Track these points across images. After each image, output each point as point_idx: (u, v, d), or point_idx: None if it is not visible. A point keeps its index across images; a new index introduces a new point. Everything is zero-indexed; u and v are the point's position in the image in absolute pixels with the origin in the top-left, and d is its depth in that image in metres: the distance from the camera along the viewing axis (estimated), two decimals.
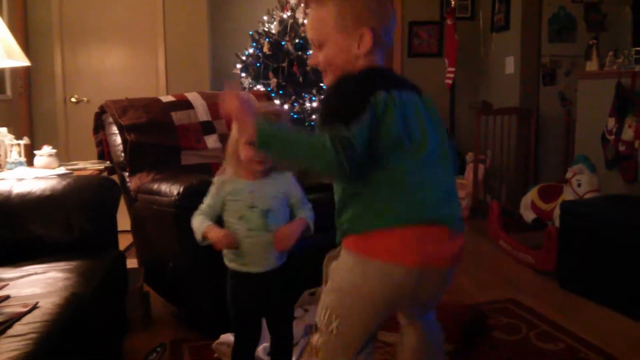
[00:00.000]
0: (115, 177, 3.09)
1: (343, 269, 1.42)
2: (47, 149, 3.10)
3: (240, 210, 1.86)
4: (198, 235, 1.85)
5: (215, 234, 1.81)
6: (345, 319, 1.42)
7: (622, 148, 3.72)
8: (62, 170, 3.01)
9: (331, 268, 1.48)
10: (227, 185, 1.89)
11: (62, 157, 3.67)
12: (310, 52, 4.66)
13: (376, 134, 1.30)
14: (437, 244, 1.36)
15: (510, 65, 5.58)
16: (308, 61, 1.50)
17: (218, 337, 2.39)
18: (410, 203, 1.34)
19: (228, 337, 2.35)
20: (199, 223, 1.86)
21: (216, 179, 1.93)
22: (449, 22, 5.69)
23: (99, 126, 3.32)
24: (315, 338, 1.46)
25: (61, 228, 2.38)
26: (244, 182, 1.88)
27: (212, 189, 1.91)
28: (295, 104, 4.69)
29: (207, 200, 1.91)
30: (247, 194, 1.86)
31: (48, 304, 1.71)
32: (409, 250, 1.32)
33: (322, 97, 1.46)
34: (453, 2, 5.79)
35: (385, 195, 1.34)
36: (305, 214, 1.95)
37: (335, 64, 1.45)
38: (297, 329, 2.59)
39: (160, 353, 2.48)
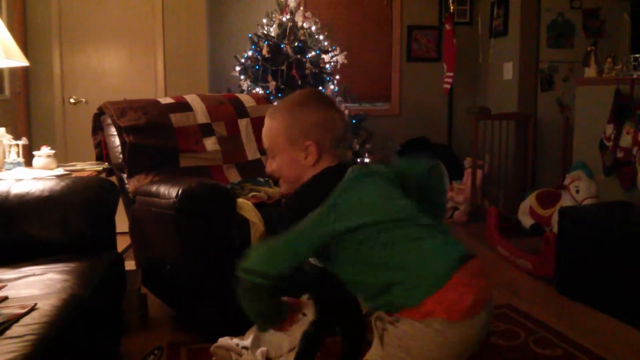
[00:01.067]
0: (113, 179, 3.08)
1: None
2: (45, 150, 3.09)
3: None
4: None
5: None
6: None
7: (620, 155, 3.72)
8: (60, 171, 3.00)
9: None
10: None
11: (61, 158, 3.66)
12: (309, 55, 4.69)
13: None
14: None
15: (508, 70, 5.59)
16: (267, 169, 1.64)
17: (216, 340, 2.38)
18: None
19: (226, 341, 2.34)
20: None
21: None
22: (447, 27, 5.71)
23: (98, 127, 3.31)
24: None
25: (59, 229, 2.36)
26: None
27: None
28: None
29: None
30: None
31: (46, 306, 1.69)
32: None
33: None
34: (452, 7, 5.80)
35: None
36: None
37: (287, 173, 1.59)
38: (297, 333, 2.58)
39: (157, 355, 2.47)
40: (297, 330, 2.56)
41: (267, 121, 1.60)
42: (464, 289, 1.36)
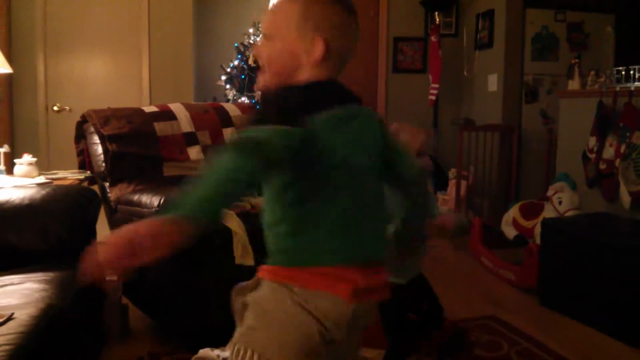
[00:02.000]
0: (96, 187, 3.06)
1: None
2: (27, 158, 3.06)
3: None
4: None
5: None
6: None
7: (603, 167, 3.75)
8: (41, 179, 2.97)
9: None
10: None
11: (43, 166, 3.64)
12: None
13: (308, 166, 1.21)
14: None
15: (493, 82, 5.63)
16: (252, 50, 1.37)
17: (197, 352, 2.36)
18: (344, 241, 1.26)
19: (207, 352, 2.32)
20: None
21: None
22: (433, 39, 5.74)
23: (80, 135, 3.29)
24: None
25: (39, 238, 2.34)
26: None
27: None
28: None
29: None
30: None
31: (24, 315, 1.67)
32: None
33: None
34: (437, 19, 5.84)
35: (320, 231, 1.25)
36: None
37: (278, 63, 1.34)
38: None
39: None
40: None
41: (279, 2, 1.35)
42: (348, 280, 1.22)
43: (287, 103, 1.26)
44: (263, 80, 1.37)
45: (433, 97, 5.79)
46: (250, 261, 2.62)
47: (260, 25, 4.91)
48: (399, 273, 1.53)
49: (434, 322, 2.09)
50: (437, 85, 5.73)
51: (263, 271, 1.28)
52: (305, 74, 1.32)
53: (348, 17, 1.34)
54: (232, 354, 1.22)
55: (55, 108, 4.78)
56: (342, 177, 1.25)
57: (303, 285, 1.21)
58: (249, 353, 1.18)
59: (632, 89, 3.59)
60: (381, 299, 1.31)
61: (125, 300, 2.93)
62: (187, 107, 3.45)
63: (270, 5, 1.38)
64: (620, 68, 3.78)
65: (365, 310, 1.27)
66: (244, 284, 1.31)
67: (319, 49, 1.29)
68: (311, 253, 1.24)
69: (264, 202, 1.28)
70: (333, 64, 1.33)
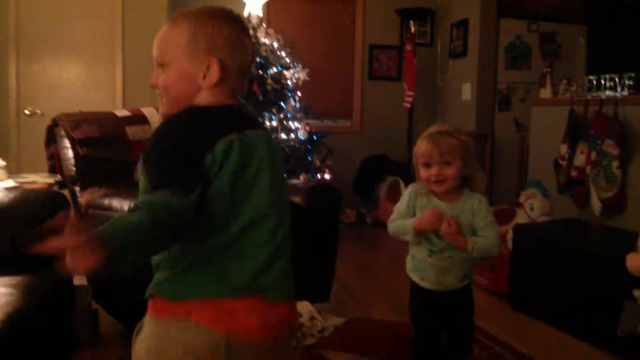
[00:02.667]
0: (66, 192, 3.01)
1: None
2: None
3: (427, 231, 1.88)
4: (408, 235, 1.88)
5: (430, 216, 1.83)
6: None
7: (574, 173, 3.81)
8: (11, 183, 2.92)
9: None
10: (420, 198, 1.91)
11: (14, 170, 3.58)
12: (271, 71, 4.70)
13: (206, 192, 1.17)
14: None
15: (467, 91, 5.69)
16: (149, 81, 1.34)
17: None
18: (232, 273, 1.22)
19: None
20: (401, 222, 1.90)
21: (411, 186, 1.95)
22: (408, 47, 5.78)
23: (51, 139, 3.24)
24: None
25: (6, 242, 2.30)
26: (439, 203, 1.89)
27: (405, 197, 1.94)
28: None
29: (399, 206, 1.94)
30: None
31: None
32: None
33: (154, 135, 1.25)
34: (412, 28, 5.89)
35: (207, 263, 1.22)
36: (476, 239, 1.86)
37: (175, 90, 1.31)
38: None
39: None
40: None
41: (165, 28, 1.33)
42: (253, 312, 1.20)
43: (192, 129, 1.22)
44: (163, 110, 1.34)
45: (408, 105, 5.83)
46: None
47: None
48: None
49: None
50: (412, 93, 5.77)
51: None
52: (205, 97, 1.30)
53: (240, 33, 1.32)
54: None
55: (26, 112, 4.72)
56: None
57: None
58: None
59: (603, 97, 3.65)
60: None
61: (95, 306, 2.89)
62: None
63: (159, 33, 1.34)
64: (592, 77, 3.84)
65: None
66: None
67: (215, 71, 1.27)
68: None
69: None
70: (234, 82, 1.32)
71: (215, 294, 1.19)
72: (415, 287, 1.97)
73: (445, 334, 2.01)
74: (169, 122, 1.25)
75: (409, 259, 1.98)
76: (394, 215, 1.94)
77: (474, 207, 1.88)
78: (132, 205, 1.10)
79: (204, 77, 1.28)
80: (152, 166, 1.18)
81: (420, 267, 1.93)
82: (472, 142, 1.92)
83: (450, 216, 1.82)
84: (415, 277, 1.97)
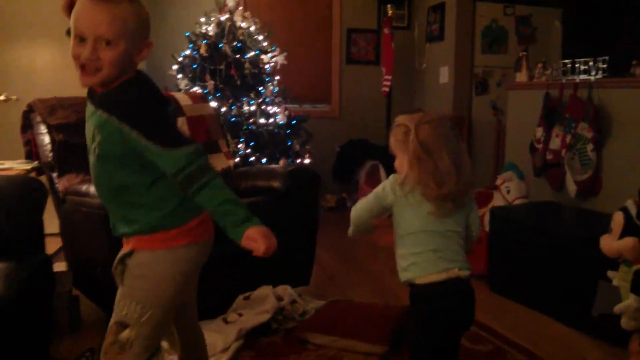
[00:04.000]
0: (43, 178, 2.98)
1: (147, 266, 1.54)
2: None
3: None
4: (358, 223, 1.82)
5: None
6: (157, 307, 1.54)
7: (549, 157, 3.85)
8: None
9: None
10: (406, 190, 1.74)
11: None
12: (248, 55, 4.67)
13: None
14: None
15: (444, 74, 5.71)
16: (72, 51, 1.49)
17: None
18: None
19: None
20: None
21: (393, 183, 1.75)
22: (385, 31, 5.78)
23: (27, 125, 3.20)
24: (126, 333, 1.53)
25: None
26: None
27: (384, 189, 1.77)
28: (233, 107, 4.66)
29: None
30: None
31: None
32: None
33: (122, 99, 1.50)
34: (390, 12, 5.88)
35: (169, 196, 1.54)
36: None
37: (119, 66, 1.47)
38: (231, 333, 2.57)
39: (88, 358, 2.41)
40: (231, 330, 2.56)
41: (109, 6, 1.44)
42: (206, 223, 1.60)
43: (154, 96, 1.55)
44: (89, 81, 1.51)
45: (386, 89, 5.84)
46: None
47: (211, 16, 4.86)
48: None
49: None
50: (390, 77, 5.77)
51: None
52: (132, 69, 1.52)
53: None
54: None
55: (1, 97, 4.64)
56: None
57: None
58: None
59: (578, 81, 3.69)
60: None
61: (76, 292, 2.88)
62: None
63: (101, 9, 1.44)
64: (567, 61, 3.88)
65: None
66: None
67: (148, 51, 1.53)
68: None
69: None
70: None
71: (191, 219, 1.56)
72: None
73: None
74: (139, 90, 1.51)
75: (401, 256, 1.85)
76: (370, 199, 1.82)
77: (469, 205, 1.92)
78: (192, 169, 1.42)
79: (140, 54, 1.51)
80: (156, 128, 1.45)
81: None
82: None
83: None
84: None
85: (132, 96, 1.48)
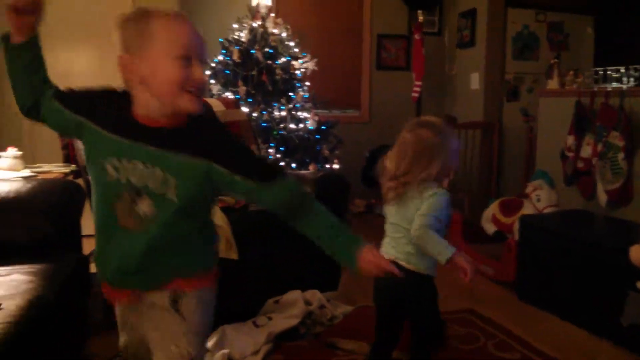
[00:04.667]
0: (80, 181, 3.07)
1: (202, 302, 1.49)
2: (12, 151, 3.07)
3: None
4: (440, 258, 1.84)
5: (465, 268, 1.84)
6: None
7: (580, 165, 3.83)
8: (27, 172, 2.98)
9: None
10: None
11: (28, 159, 3.63)
12: (279, 61, 4.73)
13: None
14: None
15: (475, 81, 5.71)
16: (174, 74, 1.33)
17: None
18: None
19: None
20: (440, 242, 1.84)
21: (448, 197, 1.93)
22: (416, 36, 5.79)
23: None
24: None
25: (24, 231, 2.36)
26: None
27: (445, 204, 1.92)
28: (264, 112, 4.72)
29: (440, 212, 1.90)
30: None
31: (11, 306, 1.71)
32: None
33: (226, 138, 1.44)
34: (421, 17, 5.90)
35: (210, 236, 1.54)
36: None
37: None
38: (261, 336, 2.61)
39: (122, 358, 2.47)
40: (261, 334, 2.60)
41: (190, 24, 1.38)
42: None
43: None
44: (199, 104, 1.38)
45: (416, 95, 5.85)
46: (234, 255, 2.66)
47: (244, 22, 4.94)
48: None
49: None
50: (420, 83, 5.79)
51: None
52: None
53: None
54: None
55: None
56: None
57: None
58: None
59: (609, 89, 3.67)
60: None
61: None
62: None
63: (192, 26, 1.38)
64: (599, 69, 3.86)
65: None
66: None
67: None
68: None
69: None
70: None
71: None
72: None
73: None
74: (219, 125, 1.54)
75: (424, 258, 1.96)
76: (434, 221, 1.88)
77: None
78: (303, 197, 1.48)
79: None
80: (250, 163, 1.41)
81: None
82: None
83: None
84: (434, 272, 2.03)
85: (220, 134, 1.42)
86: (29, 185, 2.48)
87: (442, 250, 1.81)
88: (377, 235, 1.98)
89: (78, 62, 4.84)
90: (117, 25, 1.43)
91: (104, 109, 1.42)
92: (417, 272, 1.96)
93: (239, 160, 1.38)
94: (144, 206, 1.35)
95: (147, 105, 1.36)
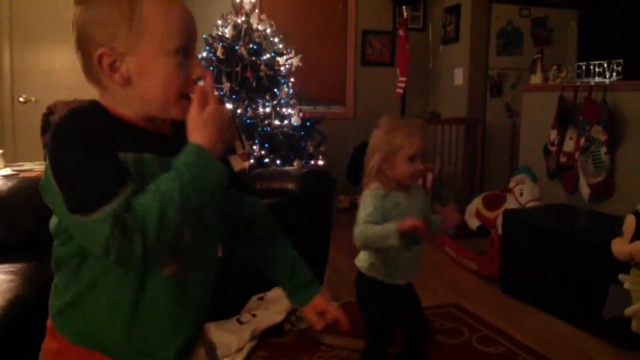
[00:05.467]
0: None
1: None
2: None
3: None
4: (391, 239, 1.78)
5: (414, 222, 1.75)
6: None
7: (563, 159, 3.86)
8: (7, 171, 2.95)
9: None
10: (388, 199, 1.90)
11: (10, 158, 3.61)
12: (264, 57, 4.72)
13: None
14: None
15: (459, 76, 5.72)
16: (173, 73, 1.03)
17: None
18: None
19: None
20: (380, 228, 1.81)
21: (374, 193, 1.91)
22: (400, 32, 5.81)
23: (47, 128, 3.27)
24: None
25: (6, 230, 2.34)
26: (402, 195, 1.92)
27: (372, 201, 1.89)
28: (248, 108, 4.71)
29: (367, 211, 1.86)
30: (405, 207, 1.90)
31: None
32: None
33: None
34: (405, 13, 5.90)
35: None
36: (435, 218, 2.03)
37: None
38: (245, 333, 2.61)
39: None
40: (245, 331, 2.60)
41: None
42: None
43: None
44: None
45: (400, 90, 5.86)
46: (218, 252, 2.65)
47: (228, 18, 4.92)
48: None
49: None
50: (404, 79, 5.80)
51: None
52: None
53: None
54: None
55: (21, 99, 4.73)
56: None
57: None
58: None
59: (592, 84, 3.70)
60: None
61: None
62: None
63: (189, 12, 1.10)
64: (582, 63, 3.88)
65: None
66: None
67: None
68: None
69: None
70: None
71: None
72: (378, 286, 1.97)
73: (408, 327, 2.08)
74: None
75: (365, 258, 1.98)
76: (364, 226, 1.84)
77: (422, 193, 2.06)
78: None
79: None
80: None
81: (394, 265, 1.94)
82: None
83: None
84: (381, 277, 1.95)
85: None
86: (10, 184, 2.46)
87: (386, 232, 1.78)
88: None
89: (61, 60, 4.79)
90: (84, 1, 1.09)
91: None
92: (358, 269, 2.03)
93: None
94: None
95: (133, 105, 1.08)
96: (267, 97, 4.78)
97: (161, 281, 1.08)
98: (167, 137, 1.11)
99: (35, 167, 3.18)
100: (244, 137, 3.92)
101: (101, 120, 1.05)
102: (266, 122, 4.71)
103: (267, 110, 4.74)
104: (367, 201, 1.89)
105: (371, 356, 2.04)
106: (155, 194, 0.95)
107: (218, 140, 1.03)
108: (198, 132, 1.02)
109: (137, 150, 1.02)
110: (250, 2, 4.97)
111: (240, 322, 2.72)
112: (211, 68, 4.77)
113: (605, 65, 3.65)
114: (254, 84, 4.72)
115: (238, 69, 4.70)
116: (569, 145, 3.83)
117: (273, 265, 1.40)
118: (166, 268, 1.08)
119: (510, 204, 3.93)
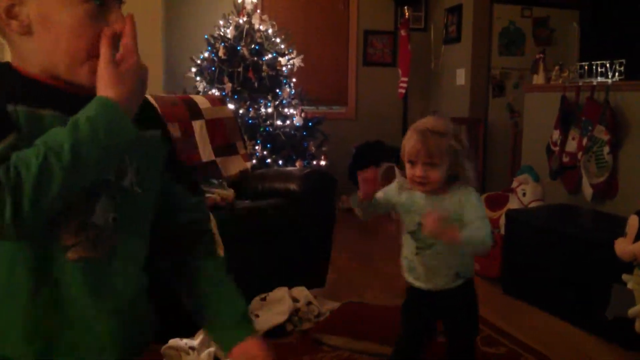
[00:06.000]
0: None
1: None
2: None
3: (410, 225, 1.82)
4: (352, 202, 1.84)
5: (428, 219, 1.62)
6: None
7: (565, 159, 3.85)
8: None
9: None
10: (404, 193, 1.85)
11: None
12: (266, 57, 4.71)
13: None
14: None
15: (461, 76, 5.72)
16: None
17: (167, 342, 2.39)
18: None
19: (177, 342, 2.35)
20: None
21: (396, 181, 1.90)
22: (402, 32, 5.80)
23: None
24: None
25: None
26: (422, 196, 1.81)
27: (391, 189, 1.88)
28: (250, 109, 4.70)
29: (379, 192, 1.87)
30: (419, 207, 1.79)
31: None
32: None
33: None
34: (407, 13, 5.90)
35: None
36: (466, 232, 1.71)
37: None
38: None
39: None
40: None
41: None
42: None
43: None
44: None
45: (402, 91, 5.86)
46: (220, 252, 2.65)
47: (230, 19, 4.91)
48: None
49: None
50: (406, 79, 5.79)
51: None
52: None
53: None
54: None
55: None
56: None
57: None
58: None
59: (594, 84, 3.69)
60: None
61: None
62: (156, 99, 3.43)
63: None
64: (584, 63, 3.88)
65: None
66: None
67: None
68: None
69: None
70: None
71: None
72: (409, 287, 1.93)
73: (446, 336, 1.99)
74: None
75: (402, 258, 1.94)
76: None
77: (462, 201, 1.79)
78: None
79: None
80: None
81: (411, 266, 1.88)
82: (464, 141, 1.85)
83: (431, 210, 1.69)
84: (409, 278, 1.91)
85: None
86: None
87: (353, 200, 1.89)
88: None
89: None
90: None
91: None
92: None
93: None
94: None
95: (36, 60, 0.95)
96: (269, 97, 4.78)
97: (70, 267, 0.92)
98: (83, 97, 0.91)
99: None
100: (246, 138, 3.92)
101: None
102: (268, 122, 4.71)
103: (269, 110, 4.74)
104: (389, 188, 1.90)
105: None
106: (39, 146, 0.80)
107: (132, 100, 0.91)
108: (110, 88, 0.88)
109: (37, 106, 0.89)
110: (251, 2, 4.97)
111: None
112: (212, 69, 4.77)
113: (608, 65, 3.64)
114: (255, 84, 4.72)
115: (240, 69, 4.70)
116: (571, 146, 3.82)
117: (194, 285, 1.20)
118: (71, 250, 0.92)
119: (513, 204, 3.91)
